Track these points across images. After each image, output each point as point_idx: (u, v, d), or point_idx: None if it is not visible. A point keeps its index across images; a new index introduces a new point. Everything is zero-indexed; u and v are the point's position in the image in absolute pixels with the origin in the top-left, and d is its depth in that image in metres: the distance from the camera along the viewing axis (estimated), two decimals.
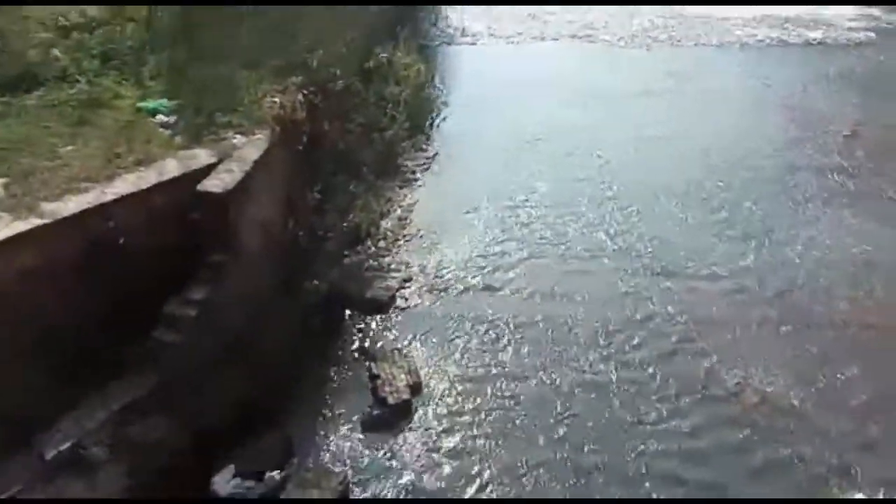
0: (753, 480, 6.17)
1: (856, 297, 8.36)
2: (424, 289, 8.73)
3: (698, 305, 8.27)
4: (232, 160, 6.74)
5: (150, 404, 5.93)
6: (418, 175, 11.27)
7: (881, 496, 5.85)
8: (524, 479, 6.30)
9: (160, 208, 6.22)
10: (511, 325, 8.08)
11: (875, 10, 18.57)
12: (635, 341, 7.77)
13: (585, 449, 6.55)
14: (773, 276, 8.74)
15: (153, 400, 5.94)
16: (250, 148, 7.01)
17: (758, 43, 17.01)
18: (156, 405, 5.95)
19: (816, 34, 17.42)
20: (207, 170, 6.55)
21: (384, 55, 12.46)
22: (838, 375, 7.19)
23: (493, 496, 6.17)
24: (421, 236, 9.77)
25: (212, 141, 7.02)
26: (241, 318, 6.77)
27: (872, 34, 17.43)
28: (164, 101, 7.47)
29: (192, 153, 6.79)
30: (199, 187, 6.30)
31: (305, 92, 8.35)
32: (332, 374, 7.55)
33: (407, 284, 8.80)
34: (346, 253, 9.01)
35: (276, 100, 7.82)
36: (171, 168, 6.50)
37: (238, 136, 7.18)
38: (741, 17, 18.15)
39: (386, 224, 9.88)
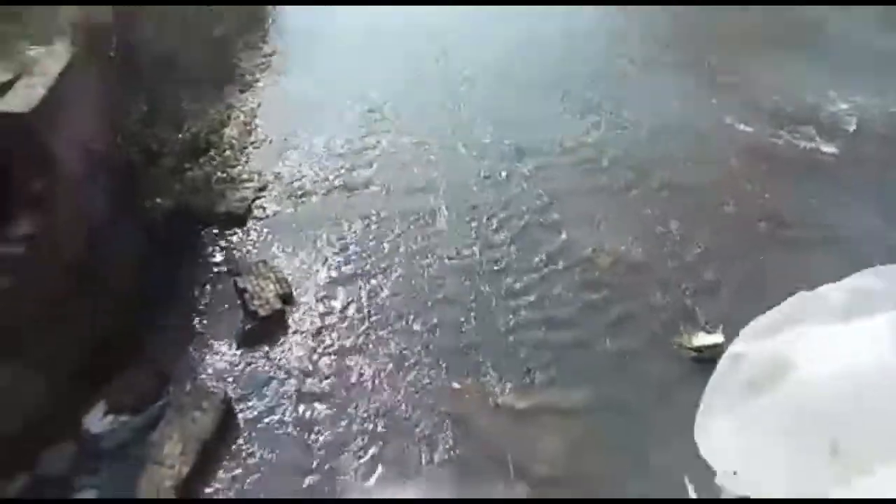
0: (614, 334, 6.75)
1: (681, 159, 9.02)
2: (282, 195, 8.40)
3: (551, 180, 8.61)
4: (32, 76, 5.93)
5: None
6: (258, 76, 10.56)
7: (720, 332, 6.61)
8: (406, 370, 6.49)
9: None
10: (374, 222, 8.04)
11: None
12: (495, 222, 8.01)
13: (463, 329, 6.82)
14: (612, 147, 9.21)
15: None
16: (49, 60, 6.18)
17: None
18: None
19: None
20: (2, 89, 5.76)
21: None
22: (675, 232, 7.87)
23: (378, 391, 6.32)
24: (270, 142, 9.29)
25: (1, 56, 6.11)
26: (78, 247, 6.20)
27: None
28: None
29: None
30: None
31: None
32: (196, 294, 7.20)
33: (262, 193, 8.42)
34: (187, 166, 8.38)
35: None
36: None
37: (34, 48, 6.28)
38: None
39: (230, 132, 9.26)
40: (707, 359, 6.41)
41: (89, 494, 5.68)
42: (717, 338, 6.58)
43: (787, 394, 5.62)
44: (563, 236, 7.82)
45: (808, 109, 9.81)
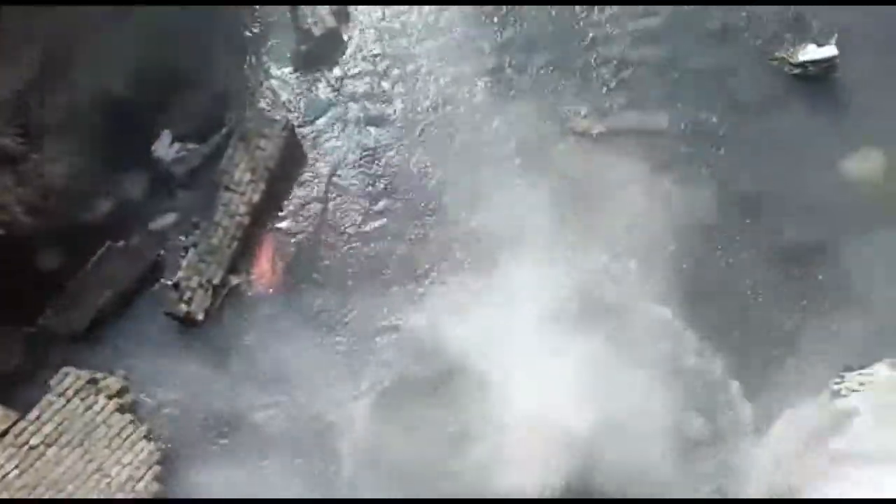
0: (711, 47, 5.97)
1: None
2: None
3: None
4: None
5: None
6: None
7: (833, 44, 5.72)
8: (474, 89, 6.06)
9: None
10: None
11: None
12: None
13: (536, 44, 6.19)
14: None
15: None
16: None
17: None
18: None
19: None
20: None
21: None
22: None
23: (445, 112, 5.98)
24: None
25: None
26: None
27: None
28: None
29: None
30: None
31: None
32: (250, 18, 6.66)
33: None
34: None
35: None
36: None
37: None
38: None
39: None
40: (812, 76, 5.68)
41: (169, 218, 5.93)
42: (830, 50, 5.72)
43: None
44: None
45: None
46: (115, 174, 5.88)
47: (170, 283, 5.56)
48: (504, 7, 6.36)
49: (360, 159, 5.97)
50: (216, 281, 5.55)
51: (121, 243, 5.74)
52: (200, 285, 5.53)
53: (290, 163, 5.94)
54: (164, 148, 6.12)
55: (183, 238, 5.75)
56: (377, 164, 5.91)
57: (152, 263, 5.73)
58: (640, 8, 6.21)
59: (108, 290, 5.61)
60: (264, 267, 5.64)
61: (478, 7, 6.38)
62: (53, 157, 5.61)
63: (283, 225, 5.79)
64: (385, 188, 5.82)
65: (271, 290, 5.57)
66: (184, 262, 5.64)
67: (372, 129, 6.07)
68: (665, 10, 6.18)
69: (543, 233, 5.15)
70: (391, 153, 5.94)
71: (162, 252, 5.76)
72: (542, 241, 5.15)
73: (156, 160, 6.06)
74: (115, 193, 5.87)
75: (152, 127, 6.13)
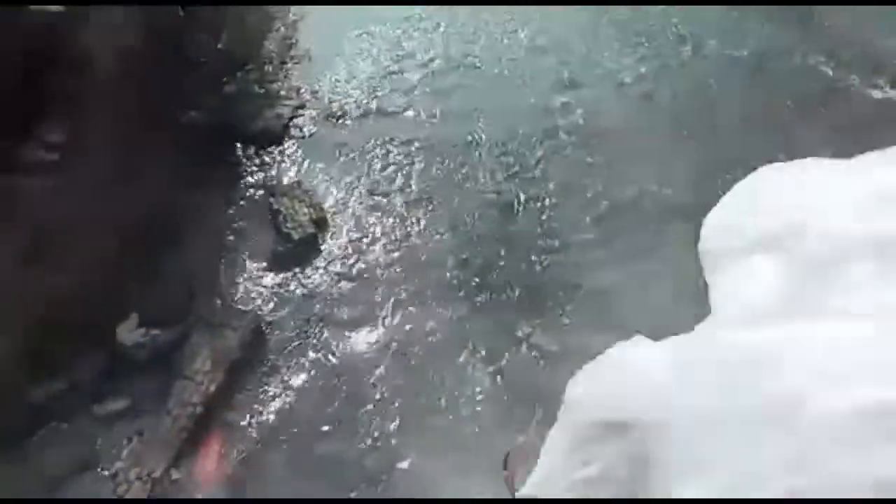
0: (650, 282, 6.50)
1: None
2: (320, 115, 8.16)
3: (598, 116, 8.15)
4: None
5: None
6: None
7: None
8: (430, 301, 6.39)
9: None
10: (413, 149, 7.77)
11: None
12: (537, 156, 7.67)
13: (493, 265, 6.66)
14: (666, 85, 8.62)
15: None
16: None
17: None
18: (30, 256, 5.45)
19: None
20: None
21: None
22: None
23: (405, 315, 6.25)
24: (310, 59, 8.94)
25: None
26: (110, 156, 6.11)
27: None
28: None
29: None
30: (34, 7, 5.33)
31: None
32: (230, 212, 7.14)
33: (300, 112, 8.19)
34: (225, 80, 8.17)
35: None
36: None
37: None
38: None
39: (269, 45, 8.95)
40: None
41: (120, 403, 5.81)
42: None
43: None
44: (604, 174, 7.42)
45: None
46: (72, 354, 5.85)
47: (107, 473, 5.33)
48: (463, 229, 6.93)
49: (318, 361, 6.09)
50: (157, 474, 5.34)
51: (64, 426, 5.58)
52: (139, 477, 5.31)
53: (252, 357, 6.03)
54: (129, 331, 6.18)
55: (129, 425, 5.63)
56: (335, 378, 6.00)
57: (93, 449, 5.54)
58: (591, 237, 6.81)
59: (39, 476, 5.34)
60: (210, 463, 5.48)
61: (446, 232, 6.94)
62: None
63: (237, 419, 5.73)
64: (342, 390, 5.88)
65: (214, 488, 5.36)
66: (125, 451, 5.46)
67: (333, 333, 6.26)
68: (612, 241, 6.81)
69: None
70: (347, 362, 6.07)
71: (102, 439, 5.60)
72: None
73: (118, 343, 6.09)
74: (68, 374, 5.80)
75: (120, 309, 6.24)
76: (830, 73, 8.06)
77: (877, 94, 8.08)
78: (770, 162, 3.11)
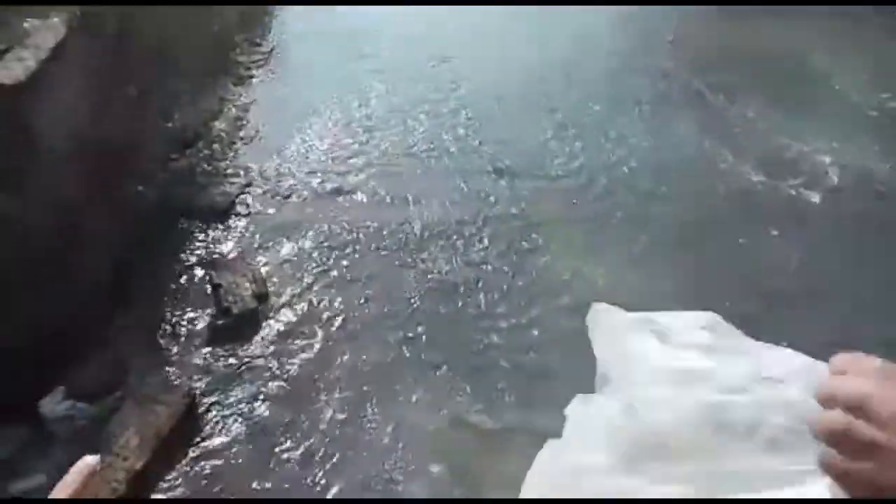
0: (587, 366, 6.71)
1: (669, 194, 9.03)
2: (267, 194, 8.32)
3: (536, 204, 8.59)
4: (23, 48, 5.83)
5: None
6: (254, 72, 10.49)
7: None
8: (371, 380, 6.41)
9: None
10: (357, 230, 7.97)
11: None
12: (479, 240, 7.98)
13: (434, 345, 6.77)
14: (601, 176, 9.19)
15: None
16: (45, 33, 6.08)
17: None
18: None
19: None
20: None
21: None
22: (661, 264, 7.86)
23: (343, 397, 6.24)
24: (260, 139, 9.21)
25: None
26: (50, 230, 6.07)
27: None
28: None
29: None
30: None
31: None
32: (170, 286, 7.11)
33: (247, 190, 8.34)
34: (173, 157, 8.30)
35: None
36: None
37: (30, 20, 6.18)
38: None
39: (219, 125, 9.19)
40: None
41: (37, 480, 5.53)
42: None
43: None
44: (542, 259, 7.78)
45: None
46: None
47: None
48: (406, 310, 7.07)
49: (252, 438, 5.97)
50: None
51: None
52: None
53: (184, 433, 5.87)
54: (52, 404, 5.96)
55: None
56: (269, 457, 5.89)
57: None
58: (526, 318, 7.04)
59: None
60: None
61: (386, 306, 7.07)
62: None
63: (163, 497, 5.52)
64: (275, 470, 5.76)
65: None
66: None
67: (270, 410, 6.18)
68: (546, 325, 7.06)
69: None
70: (278, 435, 5.99)
71: None
72: None
73: (40, 416, 5.86)
74: None
75: (45, 381, 6.04)
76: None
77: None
78: None
